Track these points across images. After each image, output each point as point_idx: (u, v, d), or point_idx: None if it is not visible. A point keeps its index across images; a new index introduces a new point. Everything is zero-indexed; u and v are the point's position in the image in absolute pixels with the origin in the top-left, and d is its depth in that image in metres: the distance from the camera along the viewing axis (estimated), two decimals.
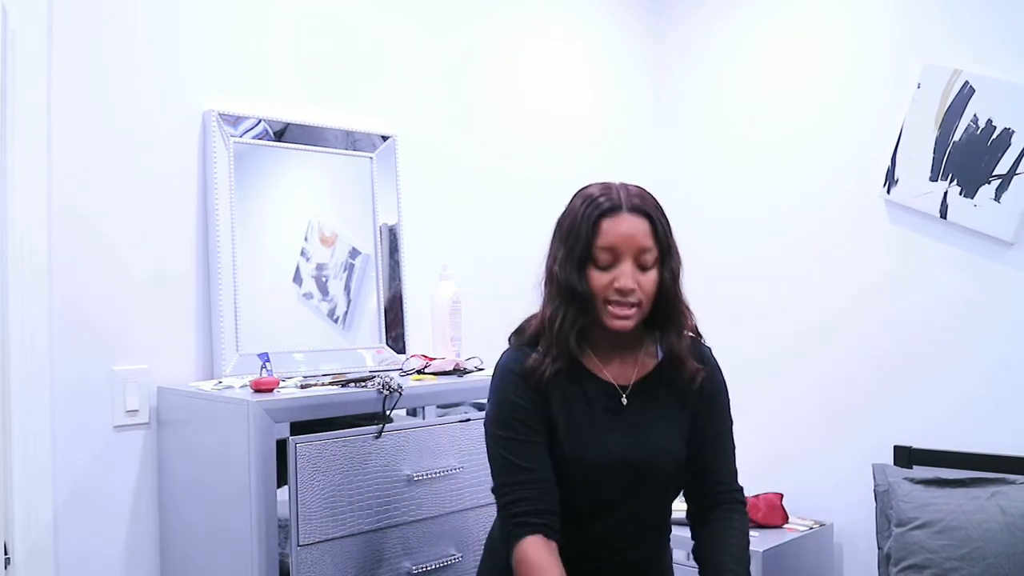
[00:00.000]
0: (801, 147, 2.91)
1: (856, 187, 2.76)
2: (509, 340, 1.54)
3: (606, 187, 1.44)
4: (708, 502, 1.55)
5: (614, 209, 1.40)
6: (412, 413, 2.02)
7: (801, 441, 2.90)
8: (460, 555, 1.92)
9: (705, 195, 3.14)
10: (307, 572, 1.69)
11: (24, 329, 1.79)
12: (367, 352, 2.26)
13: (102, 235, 1.93)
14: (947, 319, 2.59)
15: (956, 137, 2.54)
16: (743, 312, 3.02)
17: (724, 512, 1.53)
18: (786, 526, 2.71)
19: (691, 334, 1.54)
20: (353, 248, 2.29)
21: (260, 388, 1.78)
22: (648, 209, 1.42)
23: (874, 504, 2.49)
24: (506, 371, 1.46)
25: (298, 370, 2.09)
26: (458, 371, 2.09)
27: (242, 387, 1.85)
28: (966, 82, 2.52)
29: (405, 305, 2.36)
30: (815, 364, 2.87)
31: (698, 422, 1.52)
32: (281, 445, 1.70)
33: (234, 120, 2.09)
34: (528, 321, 1.51)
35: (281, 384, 1.86)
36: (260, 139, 2.14)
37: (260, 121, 2.14)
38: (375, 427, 1.80)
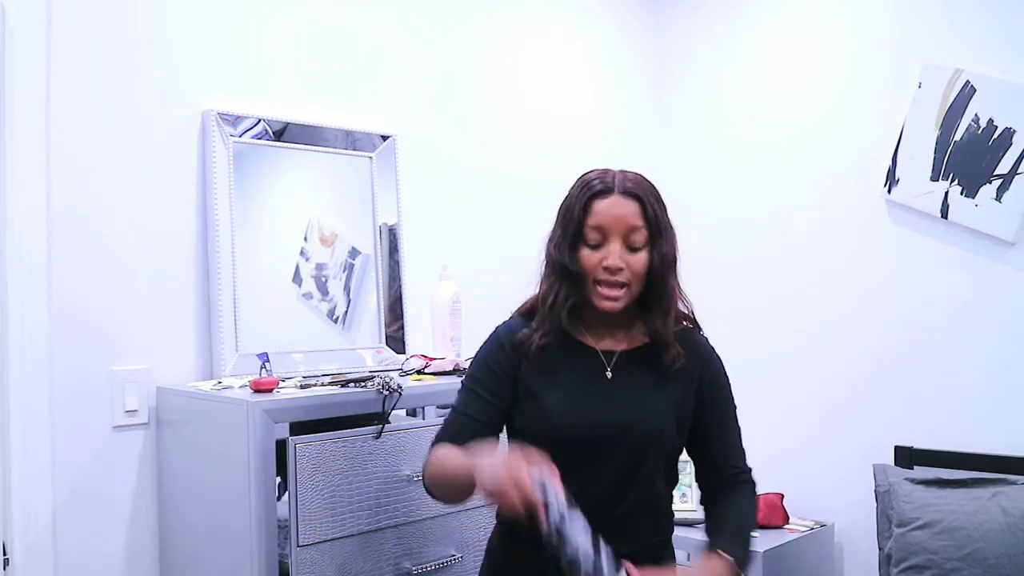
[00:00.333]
0: (802, 147, 2.91)
1: (857, 187, 2.76)
2: (512, 316, 1.60)
3: (604, 172, 1.50)
4: (719, 486, 1.57)
5: (606, 191, 1.46)
6: (412, 413, 2.01)
7: (801, 441, 2.90)
8: (460, 555, 1.92)
9: (706, 195, 3.14)
10: (307, 572, 1.69)
11: (24, 329, 1.79)
12: (367, 352, 2.26)
13: (102, 235, 1.92)
14: (948, 319, 2.59)
15: (957, 137, 2.54)
16: (744, 312, 3.01)
17: (732, 489, 1.56)
18: (787, 526, 2.71)
19: (688, 324, 1.57)
20: (353, 248, 2.29)
21: (260, 388, 1.78)
22: (639, 192, 1.46)
23: (875, 504, 2.49)
24: (494, 338, 1.55)
25: (298, 370, 2.09)
26: (458, 371, 2.08)
27: (241, 387, 1.85)
28: (967, 82, 2.51)
29: (405, 305, 2.36)
30: (816, 364, 2.86)
31: (700, 411, 1.54)
32: (281, 445, 1.70)
33: (234, 120, 2.09)
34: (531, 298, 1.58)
35: (281, 384, 1.86)
36: (260, 139, 2.13)
37: (260, 121, 2.14)
38: (375, 427, 1.80)
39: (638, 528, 1.50)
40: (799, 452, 2.90)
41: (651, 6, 3.23)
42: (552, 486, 1.24)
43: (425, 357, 2.17)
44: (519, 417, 1.52)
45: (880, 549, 2.43)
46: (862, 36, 2.77)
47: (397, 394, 1.83)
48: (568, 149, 2.88)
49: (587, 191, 1.47)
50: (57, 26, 1.86)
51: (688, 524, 2.63)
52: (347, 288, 2.27)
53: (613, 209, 1.44)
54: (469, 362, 2.08)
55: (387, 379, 1.85)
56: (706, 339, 1.59)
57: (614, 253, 1.44)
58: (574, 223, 1.46)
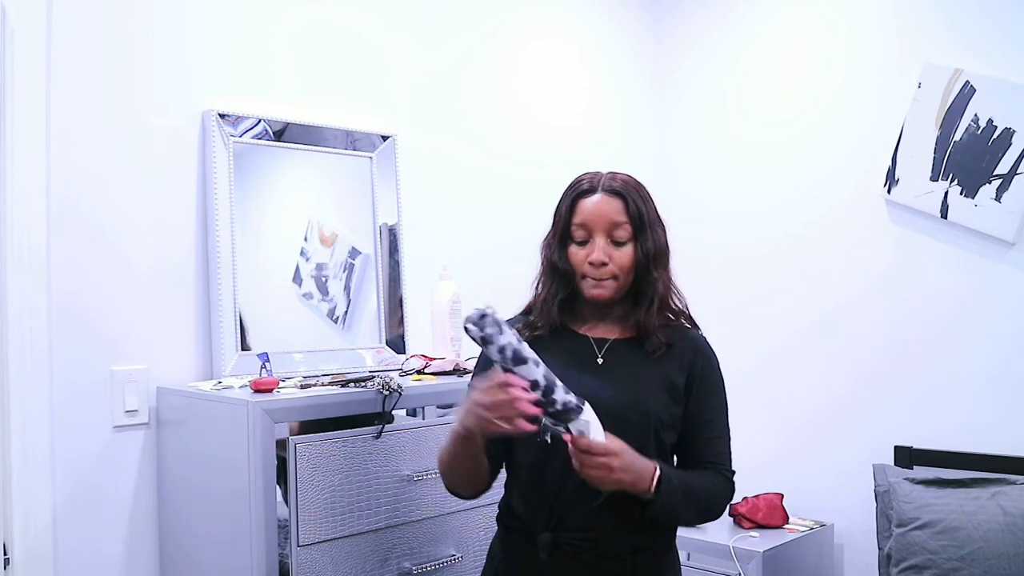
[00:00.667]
0: (801, 147, 2.91)
1: (857, 187, 2.76)
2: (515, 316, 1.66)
3: (592, 174, 1.56)
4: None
5: (591, 190, 1.53)
6: (412, 413, 2.01)
7: (801, 441, 2.90)
8: (460, 555, 1.92)
9: (705, 195, 3.14)
10: (307, 572, 1.69)
11: (23, 330, 1.79)
12: (367, 352, 2.26)
13: (102, 235, 1.93)
14: (948, 319, 2.59)
15: (957, 137, 2.54)
16: (744, 312, 3.01)
17: (704, 468, 1.55)
18: (786, 526, 2.71)
19: (684, 320, 1.58)
20: (353, 248, 2.29)
21: (260, 388, 1.78)
22: (622, 190, 1.52)
23: (875, 504, 2.49)
24: None
25: (298, 370, 2.09)
26: (458, 371, 2.08)
27: (242, 387, 1.85)
28: (967, 82, 2.51)
29: (405, 305, 2.36)
30: (816, 364, 2.86)
31: (691, 407, 1.55)
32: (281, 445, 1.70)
33: (234, 120, 2.09)
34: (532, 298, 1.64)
35: (281, 384, 1.86)
36: (260, 139, 2.13)
37: (260, 121, 2.14)
38: (375, 427, 1.80)
39: (633, 513, 1.48)
40: (799, 452, 2.90)
41: (651, 7, 3.23)
42: (493, 322, 1.29)
43: (425, 357, 2.17)
44: None
45: (880, 549, 2.43)
46: (862, 36, 2.77)
47: (397, 394, 1.83)
48: (568, 150, 2.88)
49: (573, 191, 1.55)
50: (57, 26, 1.86)
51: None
52: (347, 288, 2.27)
53: (596, 207, 1.51)
54: (470, 363, 2.10)
55: (387, 379, 1.85)
56: (703, 337, 1.60)
57: (598, 248, 1.50)
58: (561, 222, 1.54)
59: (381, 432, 1.80)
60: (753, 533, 2.66)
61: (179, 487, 1.91)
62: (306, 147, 2.21)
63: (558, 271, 1.54)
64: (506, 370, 1.33)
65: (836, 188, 2.82)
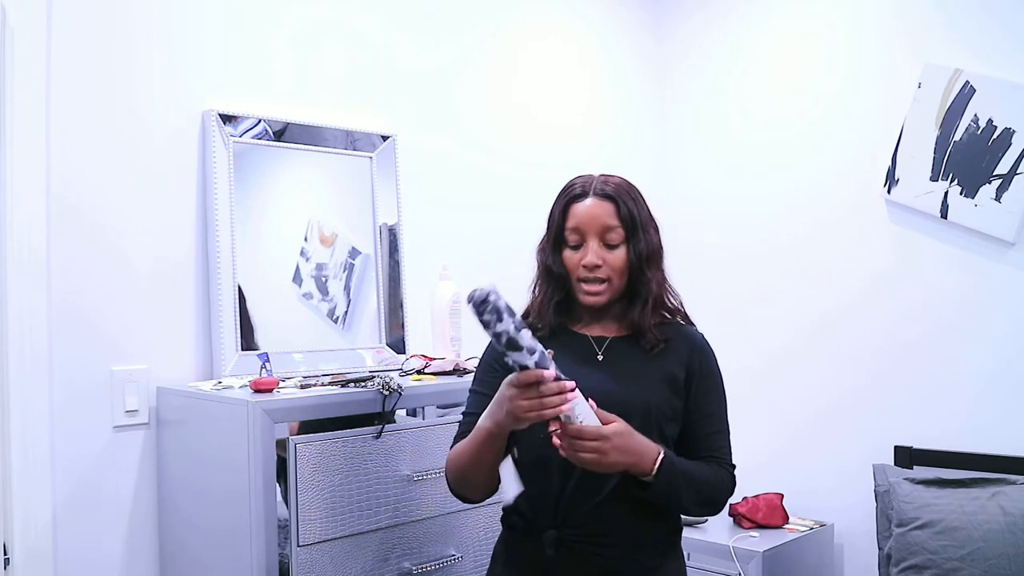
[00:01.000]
0: (801, 148, 2.91)
1: (857, 187, 2.76)
2: None
3: (584, 178, 1.57)
4: None
5: (583, 195, 1.54)
6: (412, 413, 2.01)
7: (801, 441, 2.90)
8: (460, 555, 1.92)
9: (706, 195, 3.14)
10: (307, 572, 1.69)
11: (23, 330, 1.79)
12: (367, 352, 2.26)
13: (102, 235, 1.93)
14: (948, 319, 2.59)
15: (957, 137, 2.54)
16: (744, 311, 3.01)
17: (706, 462, 1.55)
18: (786, 526, 2.71)
19: (679, 318, 1.60)
20: (353, 248, 2.29)
21: (260, 388, 1.78)
22: (613, 193, 1.53)
23: (875, 504, 2.49)
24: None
25: (298, 370, 2.09)
26: (458, 371, 2.08)
27: (242, 387, 1.85)
28: (967, 82, 2.51)
29: (405, 305, 2.36)
30: (816, 364, 2.86)
31: (691, 403, 1.56)
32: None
33: (234, 120, 2.09)
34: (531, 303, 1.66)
35: (281, 384, 1.86)
36: (260, 139, 2.13)
37: (260, 121, 2.14)
38: (375, 427, 1.80)
39: (638, 509, 1.49)
40: (799, 452, 2.90)
41: (651, 7, 3.23)
42: (496, 303, 1.30)
43: (425, 357, 2.17)
44: None
45: (880, 549, 2.43)
46: (862, 36, 2.77)
47: (397, 394, 1.83)
48: (568, 150, 2.88)
49: (565, 196, 1.57)
50: (57, 26, 1.86)
51: (689, 524, 2.63)
52: (347, 288, 2.27)
53: (589, 211, 1.53)
54: (470, 363, 2.10)
55: (387, 379, 1.85)
56: (700, 333, 1.62)
57: (592, 251, 1.52)
58: (555, 227, 1.57)
59: (381, 432, 1.80)
60: (753, 533, 2.66)
61: (179, 487, 1.91)
62: (306, 147, 2.21)
63: (553, 275, 1.57)
64: (501, 353, 1.34)
65: (836, 188, 2.82)
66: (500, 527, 1.62)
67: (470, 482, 1.53)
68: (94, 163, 1.92)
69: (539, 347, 1.33)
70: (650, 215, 1.57)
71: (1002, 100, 2.46)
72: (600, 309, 1.57)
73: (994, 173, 2.47)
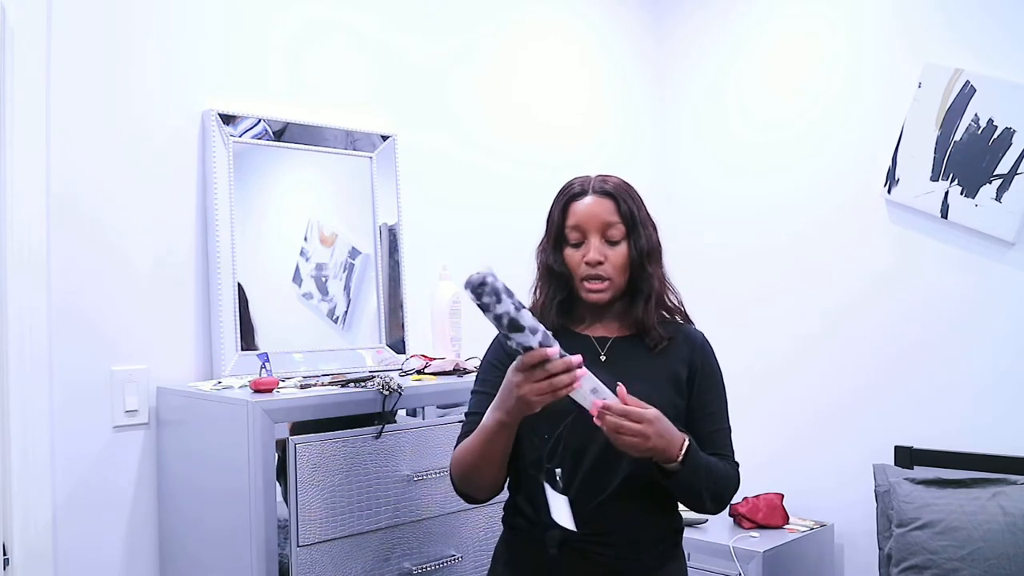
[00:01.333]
0: (802, 147, 2.91)
1: (857, 187, 2.76)
2: None
3: (582, 178, 1.58)
4: None
5: (582, 193, 1.56)
6: (412, 413, 2.01)
7: (801, 441, 2.90)
8: (460, 555, 1.92)
9: (706, 195, 3.14)
10: (307, 572, 1.69)
11: (23, 330, 1.79)
12: (367, 352, 2.26)
13: (102, 235, 1.92)
14: (948, 319, 2.59)
15: (957, 137, 2.54)
16: (744, 312, 3.01)
17: None
18: (786, 527, 2.71)
19: (678, 316, 1.61)
20: (353, 248, 2.29)
21: (259, 388, 1.78)
22: (612, 190, 1.55)
23: (875, 504, 2.48)
24: (495, 340, 1.63)
25: (298, 370, 2.09)
26: (458, 371, 2.08)
27: (241, 387, 1.85)
28: (967, 82, 2.51)
29: (405, 305, 2.36)
30: (816, 364, 2.86)
31: (693, 401, 1.57)
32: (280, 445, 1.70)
33: (233, 120, 2.09)
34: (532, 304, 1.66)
35: (281, 384, 1.86)
36: (259, 139, 2.13)
37: (259, 121, 2.14)
38: (375, 427, 1.80)
39: (640, 508, 1.50)
40: (799, 452, 2.90)
41: (651, 7, 3.23)
42: (494, 288, 1.30)
43: (425, 357, 2.17)
44: None
45: (880, 549, 2.43)
46: (862, 36, 2.77)
47: (397, 394, 1.83)
48: (568, 150, 2.88)
49: (565, 195, 1.57)
50: (57, 26, 1.86)
51: (689, 524, 2.63)
52: (347, 288, 2.27)
53: (589, 208, 1.54)
54: (470, 363, 2.11)
55: (387, 379, 1.85)
56: (700, 332, 1.63)
57: (594, 248, 1.52)
58: (555, 226, 1.57)
59: (381, 432, 1.80)
60: (753, 533, 2.66)
61: (179, 487, 1.91)
62: (306, 147, 2.21)
63: (555, 274, 1.57)
64: (505, 336, 1.34)
65: (836, 188, 2.82)
66: (501, 527, 1.62)
67: (477, 479, 1.52)
68: (94, 163, 1.92)
69: (541, 327, 1.33)
70: (648, 214, 1.58)
71: (1002, 100, 2.46)
72: (602, 308, 1.57)
73: (994, 173, 2.47)
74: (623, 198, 1.54)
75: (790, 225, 2.93)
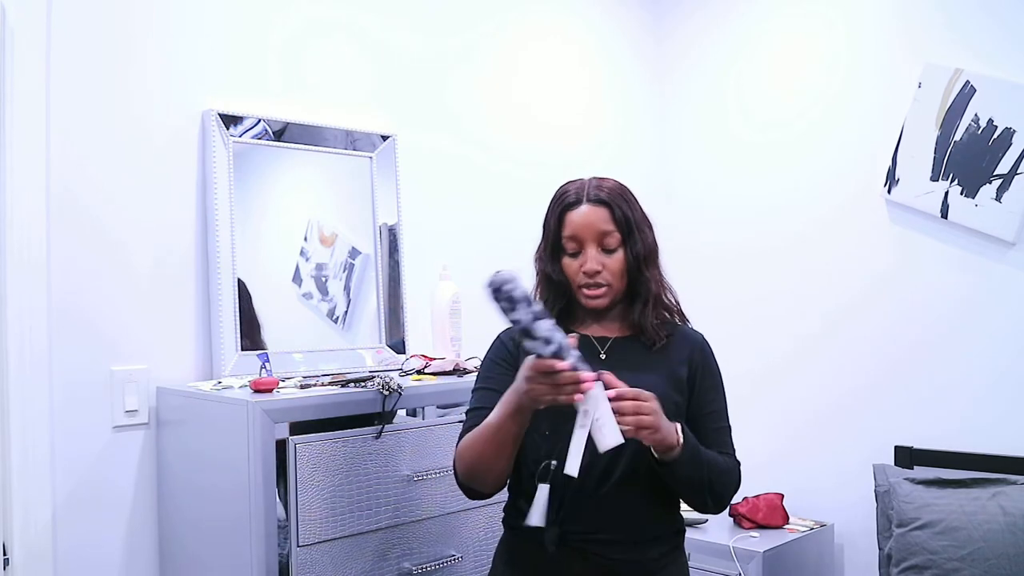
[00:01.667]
0: (802, 147, 2.91)
1: (857, 187, 2.76)
2: None
3: (577, 184, 1.58)
4: None
5: (577, 202, 1.56)
6: (412, 413, 2.01)
7: (801, 441, 2.90)
8: (460, 555, 1.92)
9: (706, 195, 3.14)
10: (307, 572, 1.69)
11: (23, 330, 1.79)
12: (367, 352, 2.26)
13: (102, 235, 1.92)
14: (948, 319, 2.59)
15: (957, 137, 2.54)
16: (744, 312, 3.01)
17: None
18: (786, 527, 2.71)
19: (676, 316, 1.62)
20: (353, 248, 2.29)
21: (259, 388, 1.78)
22: (607, 198, 1.55)
23: (875, 504, 2.49)
24: (497, 340, 1.65)
25: (298, 370, 2.09)
26: (458, 371, 2.08)
27: (241, 387, 1.85)
28: (967, 82, 2.51)
29: (405, 305, 2.36)
30: (816, 364, 2.86)
31: (692, 400, 1.58)
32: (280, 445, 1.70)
33: (233, 120, 2.09)
34: None
35: (280, 384, 1.86)
36: (259, 139, 2.13)
37: (259, 121, 2.14)
38: (375, 427, 1.80)
39: (640, 507, 1.50)
40: (799, 452, 2.90)
41: (651, 7, 3.23)
42: (516, 287, 1.31)
43: (425, 357, 2.17)
44: None
45: (880, 549, 2.43)
46: (862, 36, 2.77)
47: (397, 394, 1.83)
48: (568, 150, 2.88)
49: (559, 204, 1.58)
50: (57, 26, 1.86)
51: (689, 524, 2.63)
52: (347, 288, 2.27)
53: (584, 218, 1.54)
54: (470, 363, 2.11)
55: (387, 379, 1.85)
56: (700, 333, 1.64)
57: (591, 258, 1.53)
58: (552, 235, 1.58)
59: (381, 432, 1.80)
60: (753, 533, 2.66)
61: (179, 487, 1.91)
62: (306, 147, 2.21)
63: (553, 283, 1.59)
64: (519, 338, 1.35)
65: (836, 188, 2.82)
66: (501, 528, 1.62)
67: (483, 471, 1.51)
68: (94, 163, 1.92)
69: (558, 337, 1.33)
70: (644, 214, 1.59)
71: (1002, 100, 2.46)
72: (602, 311, 1.59)
73: (994, 173, 2.47)
74: (618, 204, 1.54)
75: (790, 225, 2.93)
